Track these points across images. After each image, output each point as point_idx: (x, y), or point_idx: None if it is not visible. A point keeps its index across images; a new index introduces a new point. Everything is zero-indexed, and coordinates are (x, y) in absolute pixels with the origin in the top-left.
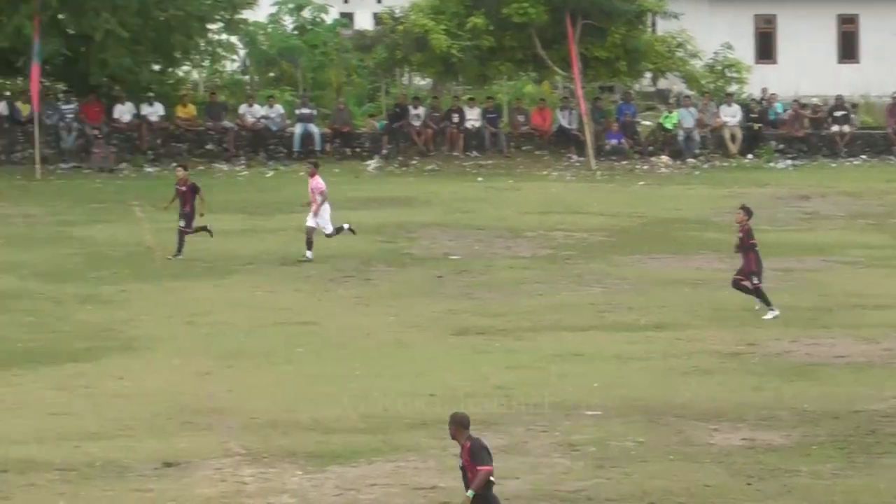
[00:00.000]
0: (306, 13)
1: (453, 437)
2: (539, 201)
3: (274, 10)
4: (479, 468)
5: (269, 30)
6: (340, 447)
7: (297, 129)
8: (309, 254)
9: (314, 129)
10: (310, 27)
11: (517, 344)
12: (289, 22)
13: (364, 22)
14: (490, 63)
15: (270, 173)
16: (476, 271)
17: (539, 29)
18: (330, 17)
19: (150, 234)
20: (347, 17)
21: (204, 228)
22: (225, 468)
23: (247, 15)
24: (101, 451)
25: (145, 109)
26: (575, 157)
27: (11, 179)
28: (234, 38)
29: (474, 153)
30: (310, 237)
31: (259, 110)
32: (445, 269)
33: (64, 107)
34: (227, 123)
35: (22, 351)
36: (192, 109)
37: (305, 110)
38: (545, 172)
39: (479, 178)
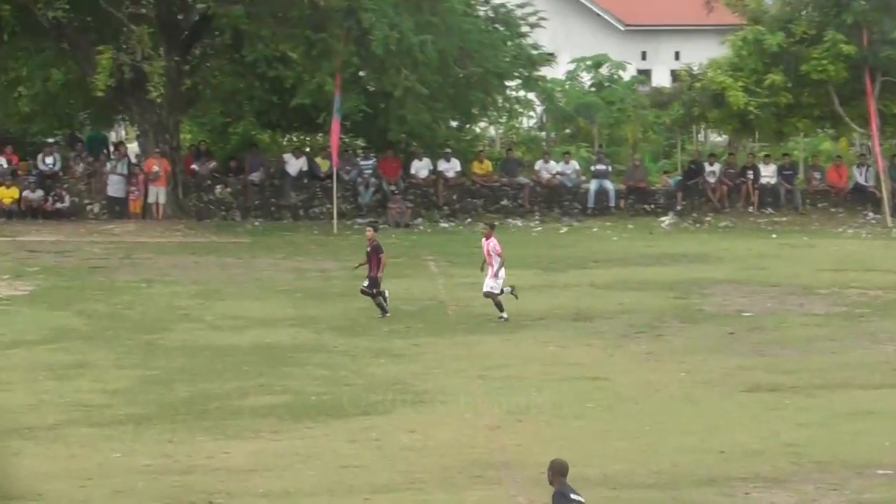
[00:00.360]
0: (604, 70)
1: (550, 483)
2: (833, 259)
3: (572, 67)
4: None
5: (567, 86)
6: (629, 503)
7: (592, 185)
8: (504, 315)
9: (609, 185)
10: (607, 84)
11: (808, 401)
12: (586, 79)
13: (661, 79)
14: (787, 120)
15: (564, 229)
16: (768, 328)
17: (837, 86)
18: (627, 74)
19: (444, 289)
20: (645, 74)
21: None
22: None
23: (545, 72)
24: (390, 503)
25: (442, 165)
26: (871, 215)
27: (309, 234)
28: (531, 95)
29: (769, 210)
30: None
31: (554, 166)
32: (737, 326)
33: (362, 162)
34: (522, 179)
35: (315, 404)
36: (488, 165)
37: (601, 166)
38: (840, 230)
39: (774, 235)
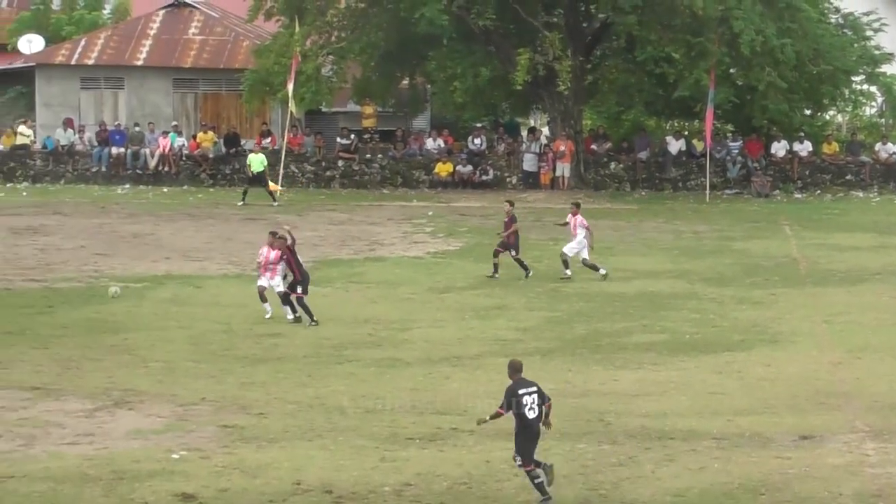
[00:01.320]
0: None
1: (510, 378)
2: None
3: None
4: (499, 409)
5: None
6: None
7: None
8: (602, 272)
9: None
10: None
11: None
12: None
13: None
14: None
15: None
16: None
17: None
18: None
19: (797, 249)
20: None
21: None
22: (851, 442)
23: (885, 69)
24: (748, 425)
25: (797, 146)
26: None
27: (685, 202)
28: (873, 88)
29: None
30: (566, 259)
31: (892, 147)
32: None
33: (730, 144)
34: (864, 158)
35: (688, 342)
36: (835, 146)
37: None
38: None
39: None
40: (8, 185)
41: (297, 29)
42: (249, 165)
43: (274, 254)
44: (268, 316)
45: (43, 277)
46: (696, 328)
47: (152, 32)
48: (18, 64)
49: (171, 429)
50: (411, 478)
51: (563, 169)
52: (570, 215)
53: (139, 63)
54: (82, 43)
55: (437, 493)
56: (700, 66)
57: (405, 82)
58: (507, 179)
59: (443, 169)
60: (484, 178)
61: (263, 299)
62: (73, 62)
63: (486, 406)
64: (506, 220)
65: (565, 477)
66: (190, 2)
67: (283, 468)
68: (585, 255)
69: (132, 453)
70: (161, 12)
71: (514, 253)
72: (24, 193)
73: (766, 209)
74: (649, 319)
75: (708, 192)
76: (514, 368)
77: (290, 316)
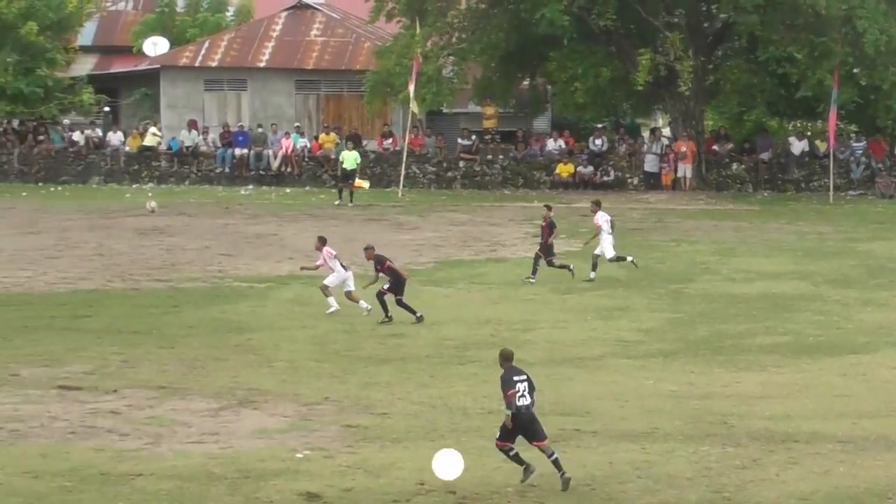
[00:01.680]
0: None
1: (501, 367)
2: None
3: None
4: (507, 393)
5: None
6: None
7: None
8: (592, 275)
9: None
10: None
11: None
12: None
13: None
14: None
15: None
16: None
17: None
18: None
19: None
20: None
21: (564, 266)
22: None
23: None
24: (874, 428)
25: None
26: None
27: (808, 203)
28: None
29: None
30: (595, 262)
31: None
32: None
33: (854, 144)
34: None
35: (812, 343)
36: None
37: None
38: None
39: None
40: (134, 185)
41: (418, 30)
42: (342, 162)
43: (321, 259)
44: (330, 311)
45: (168, 277)
46: (820, 330)
47: (275, 34)
48: (143, 66)
49: (295, 428)
50: (534, 479)
51: (685, 170)
52: (594, 215)
53: (262, 65)
54: (206, 45)
55: (561, 495)
56: (823, 65)
57: (526, 83)
58: (629, 180)
59: (564, 170)
60: (605, 178)
61: (327, 294)
62: (196, 64)
63: (607, 407)
64: (543, 224)
65: (689, 479)
66: (312, 3)
67: (406, 468)
68: (601, 251)
69: (257, 452)
70: (283, 14)
71: (540, 251)
72: (150, 194)
73: (890, 210)
74: (772, 321)
75: (831, 192)
76: (505, 357)
77: (414, 316)
